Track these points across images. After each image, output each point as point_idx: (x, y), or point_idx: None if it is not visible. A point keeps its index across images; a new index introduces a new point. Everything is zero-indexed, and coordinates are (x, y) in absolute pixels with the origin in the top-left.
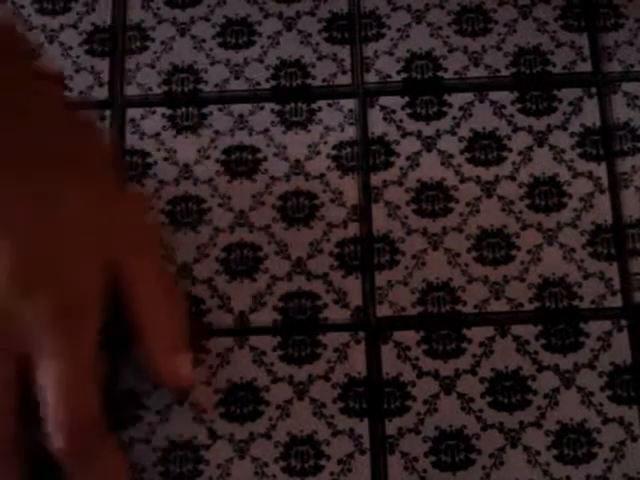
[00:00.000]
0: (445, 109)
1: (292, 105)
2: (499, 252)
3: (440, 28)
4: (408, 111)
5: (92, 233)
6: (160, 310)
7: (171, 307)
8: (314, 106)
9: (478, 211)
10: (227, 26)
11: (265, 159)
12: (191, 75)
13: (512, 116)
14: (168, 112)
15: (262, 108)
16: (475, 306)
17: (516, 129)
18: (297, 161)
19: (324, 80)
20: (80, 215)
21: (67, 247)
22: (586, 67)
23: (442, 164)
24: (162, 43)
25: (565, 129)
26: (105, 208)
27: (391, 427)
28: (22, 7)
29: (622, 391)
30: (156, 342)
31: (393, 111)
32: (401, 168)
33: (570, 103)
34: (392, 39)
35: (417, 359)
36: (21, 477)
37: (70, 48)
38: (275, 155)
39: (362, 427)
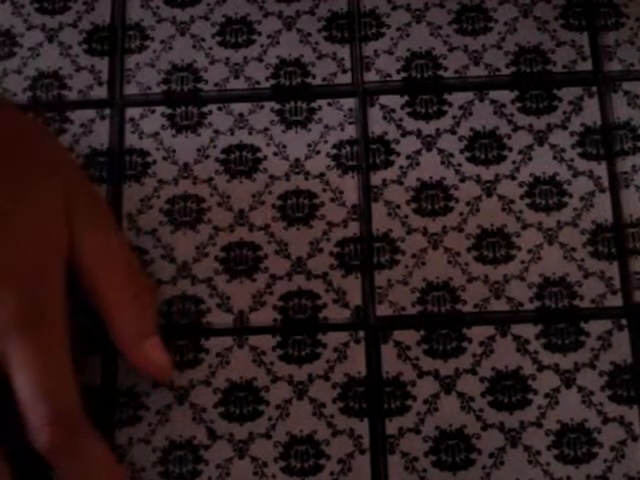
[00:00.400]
0: (445, 108)
1: (292, 104)
2: (499, 251)
3: (440, 27)
4: (408, 110)
5: (49, 235)
6: (123, 291)
7: (134, 288)
8: (314, 105)
9: (478, 210)
10: (227, 25)
11: (265, 158)
12: (191, 74)
13: (512, 115)
14: (167, 111)
15: (262, 107)
16: (475, 305)
17: (516, 128)
18: (297, 160)
19: (324, 79)
20: (34, 220)
21: (23, 251)
22: (586, 66)
23: (442, 163)
24: (162, 42)
25: (565, 128)
26: (59, 206)
27: (391, 427)
28: (22, 6)
29: (622, 391)
30: (121, 326)
31: (393, 110)
32: (401, 167)
33: (570, 102)
34: (392, 38)
35: (417, 359)
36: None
37: (69, 47)
38: (275, 154)
39: (362, 427)
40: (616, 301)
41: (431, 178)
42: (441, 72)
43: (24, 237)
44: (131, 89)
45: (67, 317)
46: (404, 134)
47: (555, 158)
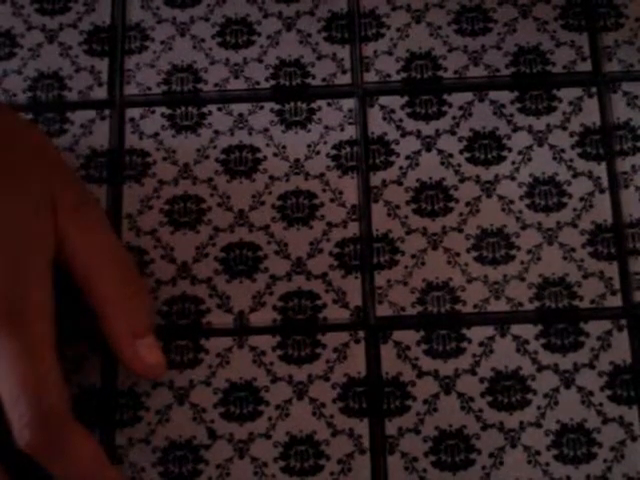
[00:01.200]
0: (445, 109)
1: (292, 105)
2: (499, 252)
3: (440, 28)
4: (408, 111)
5: (35, 234)
6: (116, 291)
7: (128, 287)
8: (314, 106)
9: (478, 211)
10: (227, 26)
11: (265, 159)
12: (191, 75)
13: (512, 116)
14: (167, 112)
15: (262, 108)
16: (475, 306)
17: (516, 129)
18: (297, 161)
19: (324, 80)
20: (19, 220)
21: (6, 250)
22: (586, 67)
23: (442, 164)
24: (162, 43)
25: (565, 129)
26: (46, 199)
27: (391, 427)
28: (22, 7)
29: (622, 391)
30: (115, 326)
31: (393, 111)
32: (401, 168)
33: (570, 103)
34: (392, 39)
35: (417, 359)
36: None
37: (70, 48)
38: (275, 155)
39: (362, 427)
40: (616, 301)
41: (431, 178)
42: (441, 72)
43: (7, 236)
44: (131, 89)
45: (54, 316)
46: (404, 134)
47: (555, 158)
